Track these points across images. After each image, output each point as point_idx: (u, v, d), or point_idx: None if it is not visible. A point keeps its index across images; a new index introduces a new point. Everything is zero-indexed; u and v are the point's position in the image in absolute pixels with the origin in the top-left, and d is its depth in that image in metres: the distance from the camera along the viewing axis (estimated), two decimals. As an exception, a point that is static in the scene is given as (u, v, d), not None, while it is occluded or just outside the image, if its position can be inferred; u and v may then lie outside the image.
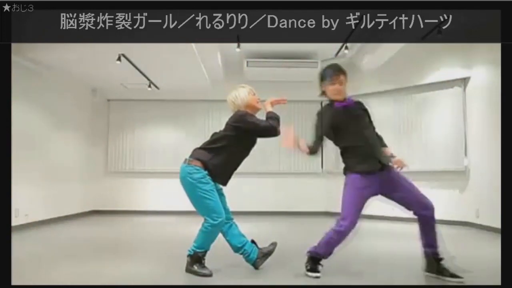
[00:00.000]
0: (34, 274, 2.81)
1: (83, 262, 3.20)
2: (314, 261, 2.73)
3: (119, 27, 4.22)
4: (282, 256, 3.05)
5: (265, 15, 3.92)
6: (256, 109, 2.99)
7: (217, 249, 2.98)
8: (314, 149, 2.76)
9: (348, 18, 4.96)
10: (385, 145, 2.89)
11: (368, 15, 4.90)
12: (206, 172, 2.74)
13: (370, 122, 2.83)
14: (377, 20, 5.06)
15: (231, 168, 2.90)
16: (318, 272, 2.69)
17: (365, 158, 2.68)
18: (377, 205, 6.87)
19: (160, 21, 4.18)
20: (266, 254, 2.90)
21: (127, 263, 3.20)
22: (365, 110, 2.85)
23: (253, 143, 2.94)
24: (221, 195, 2.94)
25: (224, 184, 2.92)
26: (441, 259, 2.69)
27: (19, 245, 3.88)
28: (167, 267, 3.03)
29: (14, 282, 2.25)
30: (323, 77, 2.83)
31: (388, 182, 2.69)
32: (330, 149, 7.54)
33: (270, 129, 2.79)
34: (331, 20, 4.90)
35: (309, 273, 2.68)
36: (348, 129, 2.73)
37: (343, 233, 2.63)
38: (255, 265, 2.86)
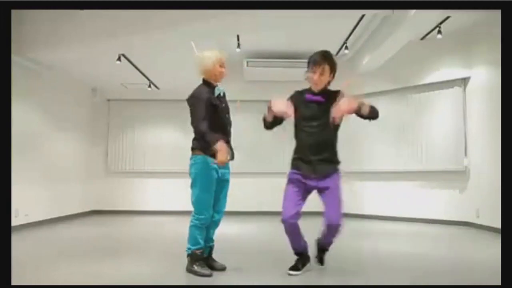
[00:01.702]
0: (34, 274, 2.81)
1: (83, 262, 3.20)
2: (297, 257, 2.83)
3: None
4: (282, 256, 3.05)
5: (265, 15, 3.93)
6: (214, 78, 2.89)
7: (216, 249, 2.98)
8: (268, 124, 2.77)
9: (348, 18, 5.00)
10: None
11: (368, 15, 4.92)
12: (205, 157, 2.71)
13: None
14: (377, 19, 5.08)
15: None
16: (297, 270, 2.75)
17: (304, 158, 2.73)
18: (377, 205, 6.89)
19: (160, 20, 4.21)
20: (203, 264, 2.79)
21: (127, 263, 3.20)
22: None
23: (215, 120, 2.78)
24: (223, 186, 2.89)
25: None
26: (324, 250, 2.96)
27: (19, 245, 3.89)
28: (167, 267, 3.03)
29: (14, 282, 2.25)
30: (308, 63, 2.74)
31: (320, 185, 2.78)
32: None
33: (200, 133, 2.70)
34: (331, 20, 4.93)
35: (289, 271, 2.76)
36: (303, 124, 2.73)
37: (282, 221, 2.69)
38: (189, 262, 2.79)
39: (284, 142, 7.18)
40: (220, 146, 2.62)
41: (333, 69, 2.69)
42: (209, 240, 2.90)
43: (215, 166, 2.72)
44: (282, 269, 2.90)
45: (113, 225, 5.67)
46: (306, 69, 2.72)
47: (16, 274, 2.60)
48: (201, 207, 2.74)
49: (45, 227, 5.25)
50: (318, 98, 2.69)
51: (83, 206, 6.82)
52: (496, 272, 2.79)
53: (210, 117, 2.73)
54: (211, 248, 2.93)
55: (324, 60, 2.66)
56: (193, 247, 2.77)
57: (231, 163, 2.89)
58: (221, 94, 2.90)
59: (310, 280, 2.66)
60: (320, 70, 2.64)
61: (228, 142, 2.84)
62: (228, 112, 2.94)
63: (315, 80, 2.67)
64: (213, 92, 2.84)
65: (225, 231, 2.99)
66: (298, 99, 2.76)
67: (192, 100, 2.79)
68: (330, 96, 2.68)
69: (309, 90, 2.76)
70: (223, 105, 2.89)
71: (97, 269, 2.95)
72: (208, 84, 2.89)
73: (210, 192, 2.75)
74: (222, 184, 2.86)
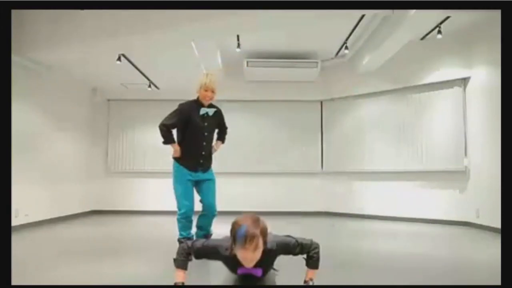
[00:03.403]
0: (34, 274, 2.81)
1: (83, 262, 3.20)
2: None
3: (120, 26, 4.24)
4: (281, 256, 3.04)
5: (265, 15, 3.92)
6: (201, 99, 3.38)
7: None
8: None
9: (348, 18, 5.00)
10: None
11: (368, 15, 4.93)
12: (177, 163, 3.32)
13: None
14: (377, 19, 5.08)
15: (187, 154, 3.31)
16: None
17: None
18: (377, 205, 6.89)
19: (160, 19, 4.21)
20: None
21: (127, 263, 3.20)
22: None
23: (190, 133, 3.29)
24: (207, 185, 3.35)
25: (191, 168, 3.32)
26: None
27: (19, 245, 3.89)
28: (167, 267, 3.02)
29: (14, 282, 2.25)
30: (233, 238, 2.09)
31: None
32: (330, 148, 7.54)
33: (161, 129, 3.29)
34: (332, 20, 4.93)
35: None
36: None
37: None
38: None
39: (283, 141, 7.21)
40: (173, 146, 3.30)
41: (265, 236, 2.13)
42: (203, 228, 3.36)
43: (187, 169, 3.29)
44: (282, 269, 2.90)
45: (113, 225, 5.67)
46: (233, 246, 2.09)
47: (16, 274, 2.60)
48: (177, 198, 3.24)
49: (45, 227, 5.25)
50: (254, 271, 2.16)
51: (83, 206, 6.82)
52: (496, 272, 2.79)
53: (187, 129, 3.27)
54: (205, 237, 3.25)
55: (256, 227, 2.06)
56: (179, 236, 3.32)
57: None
58: (206, 115, 3.34)
59: (310, 280, 2.65)
60: (254, 246, 2.02)
61: (201, 154, 3.33)
62: (209, 132, 3.38)
63: (250, 259, 2.07)
64: (199, 110, 3.29)
65: (223, 231, 2.98)
66: (225, 263, 2.24)
67: (177, 107, 3.34)
68: (268, 261, 2.19)
69: (238, 262, 2.12)
70: (205, 123, 3.33)
71: (97, 269, 2.95)
72: (197, 102, 3.37)
73: (182, 184, 3.24)
74: (203, 183, 3.34)
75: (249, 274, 2.18)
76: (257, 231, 2.01)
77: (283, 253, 2.22)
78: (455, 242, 4.25)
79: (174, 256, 2.24)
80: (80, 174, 6.75)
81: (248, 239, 1.98)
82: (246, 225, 2.02)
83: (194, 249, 2.21)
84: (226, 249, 2.13)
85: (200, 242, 2.25)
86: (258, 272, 2.17)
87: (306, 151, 7.20)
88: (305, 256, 2.28)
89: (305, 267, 2.30)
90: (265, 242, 2.10)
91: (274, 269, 2.55)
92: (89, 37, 4.44)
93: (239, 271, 2.17)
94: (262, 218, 2.17)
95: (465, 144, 5.47)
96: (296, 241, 2.23)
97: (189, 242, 2.26)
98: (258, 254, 2.05)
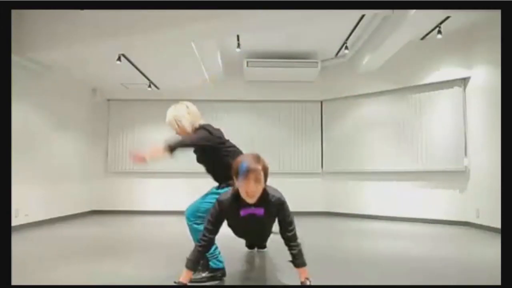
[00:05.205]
0: (34, 274, 2.81)
1: (83, 262, 3.20)
2: None
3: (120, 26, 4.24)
4: (282, 257, 3.04)
5: (265, 15, 3.92)
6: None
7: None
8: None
9: (348, 17, 5.00)
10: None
11: (368, 15, 4.93)
12: None
13: (282, 221, 2.30)
14: (377, 19, 5.08)
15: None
16: None
17: None
18: (377, 205, 6.88)
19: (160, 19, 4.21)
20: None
21: (127, 263, 3.20)
22: (278, 213, 2.29)
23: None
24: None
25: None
26: None
27: (19, 245, 3.89)
28: (167, 267, 3.03)
29: (14, 282, 2.25)
30: (236, 172, 2.20)
31: None
32: (330, 149, 7.53)
33: None
34: (332, 20, 4.94)
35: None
36: (238, 229, 2.55)
37: None
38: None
39: (283, 141, 7.21)
40: None
41: (266, 173, 2.21)
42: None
43: None
44: (282, 269, 2.90)
45: (113, 225, 5.67)
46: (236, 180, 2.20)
47: (16, 274, 2.60)
48: None
49: (45, 227, 5.25)
50: (256, 210, 2.25)
51: (83, 206, 6.82)
52: (496, 272, 2.80)
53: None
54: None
55: (257, 163, 2.16)
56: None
57: None
58: None
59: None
60: (255, 178, 2.13)
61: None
62: (202, 161, 2.95)
63: (250, 191, 2.15)
64: None
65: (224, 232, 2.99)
66: (228, 212, 2.29)
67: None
68: (269, 206, 2.26)
69: (240, 202, 2.24)
70: (197, 153, 2.93)
71: (97, 269, 2.95)
72: None
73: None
74: None
75: (252, 214, 2.25)
76: (258, 166, 2.15)
77: (277, 207, 2.26)
78: (455, 242, 4.25)
79: (188, 256, 2.24)
80: (80, 174, 6.75)
81: (250, 171, 2.10)
82: (248, 161, 2.14)
83: (208, 229, 2.24)
84: (227, 198, 2.23)
85: (206, 222, 2.30)
86: (260, 211, 2.25)
87: (306, 151, 7.19)
88: (290, 258, 2.31)
89: (295, 269, 2.32)
90: (266, 178, 2.20)
91: (273, 232, 2.57)
92: (89, 37, 4.44)
93: (242, 212, 2.24)
94: (262, 157, 2.26)
95: (465, 144, 5.47)
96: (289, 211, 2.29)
97: (201, 234, 2.28)
98: (259, 187, 2.16)
